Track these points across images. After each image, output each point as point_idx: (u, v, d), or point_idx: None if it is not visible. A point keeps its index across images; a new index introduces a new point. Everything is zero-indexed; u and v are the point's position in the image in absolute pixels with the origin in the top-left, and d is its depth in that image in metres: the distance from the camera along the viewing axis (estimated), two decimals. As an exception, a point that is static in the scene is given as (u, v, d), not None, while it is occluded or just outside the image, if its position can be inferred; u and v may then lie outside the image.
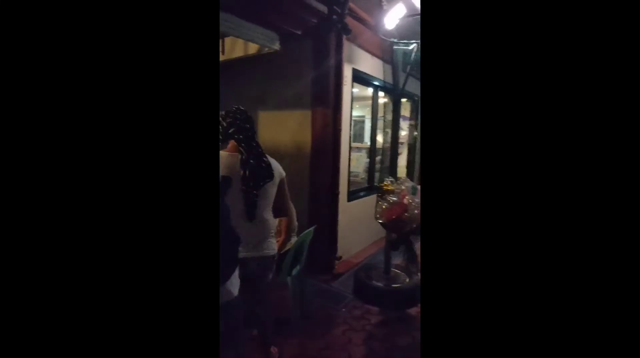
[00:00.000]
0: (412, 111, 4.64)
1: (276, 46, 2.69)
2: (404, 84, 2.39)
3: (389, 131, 4.01)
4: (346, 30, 2.61)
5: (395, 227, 2.30)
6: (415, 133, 4.69)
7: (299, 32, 2.64)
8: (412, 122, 4.66)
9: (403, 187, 2.30)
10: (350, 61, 2.92)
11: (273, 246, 1.50)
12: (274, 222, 1.53)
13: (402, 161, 4.67)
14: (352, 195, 3.33)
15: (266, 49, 2.71)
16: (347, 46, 2.77)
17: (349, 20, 2.65)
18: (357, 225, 3.36)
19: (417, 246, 3.55)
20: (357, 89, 3.55)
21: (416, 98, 4.46)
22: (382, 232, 2.63)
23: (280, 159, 1.56)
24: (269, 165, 1.40)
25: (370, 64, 3.21)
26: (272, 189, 1.44)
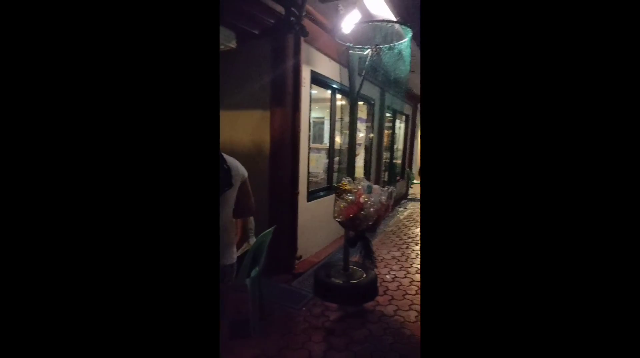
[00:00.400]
0: (368, 114, 4.82)
1: (232, 44, 2.65)
2: (360, 88, 2.49)
3: (347, 132, 4.12)
4: (304, 32, 2.64)
5: (352, 225, 2.38)
6: (371, 135, 4.88)
7: (256, 32, 2.62)
8: (369, 124, 4.84)
9: (359, 186, 2.39)
10: (308, 63, 2.96)
11: (233, 255, 1.47)
12: (234, 228, 1.51)
13: (360, 161, 4.83)
14: (312, 195, 3.37)
15: (222, 46, 2.65)
16: (305, 48, 2.81)
17: (306, 22, 2.69)
18: (317, 224, 3.41)
19: (373, 243, 3.69)
20: (316, 91, 3.61)
21: (372, 101, 4.65)
22: (341, 231, 2.71)
23: (238, 160, 1.54)
24: (228, 171, 1.37)
25: (328, 67, 3.28)
26: (232, 194, 1.42)
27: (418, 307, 2.41)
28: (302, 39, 2.70)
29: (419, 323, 2.21)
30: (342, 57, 3.16)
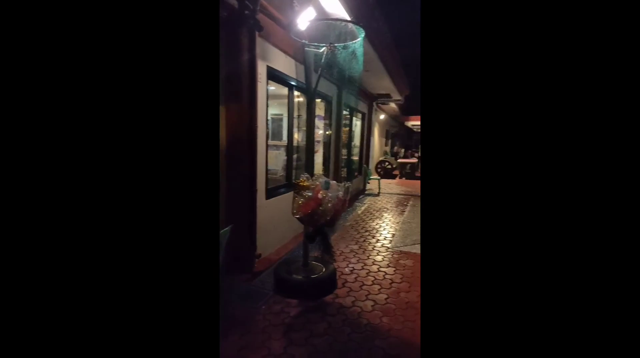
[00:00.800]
0: (326, 111, 4.88)
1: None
2: (317, 85, 2.51)
3: (305, 129, 4.14)
4: (258, 26, 2.59)
5: (311, 221, 2.40)
6: (329, 132, 4.96)
7: (209, 24, 2.52)
8: (327, 121, 4.91)
9: (317, 182, 2.42)
10: (264, 58, 2.91)
11: None
12: None
13: (319, 158, 4.89)
14: (271, 192, 3.34)
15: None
16: (260, 42, 2.76)
17: (261, 17, 2.64)
18: (277, 221, 3.39)
19: (333, 237, 3.77)
20: (274, 87, 3.57)
21: (330, 99, 4.71)
22: (301, 227, 2.72)
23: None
24: None
25: (284, 63, 3.26)
26: None
27: (374, 297, 2.52)
28: (257, 33, 2.65)
29: (375, 311, 2.31)
30: (298, 54, 3.17)
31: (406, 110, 12.13)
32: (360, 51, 2.32)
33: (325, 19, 2.49)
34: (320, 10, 2.87)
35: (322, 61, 2.39)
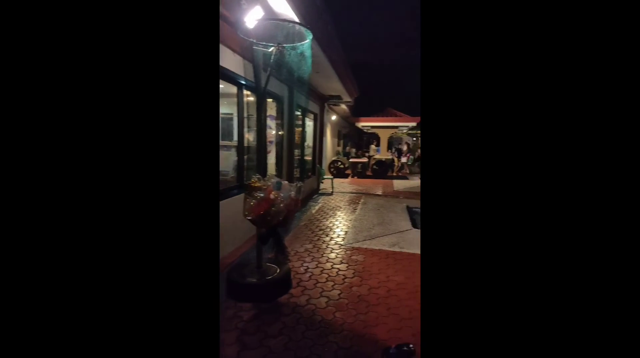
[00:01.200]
0: (277, 111, 4.85)
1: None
2: (266, 84, 2.49)
3: (257, 129, 4.07)
4: (204, 22, 2.49)
5: (263, 222, 2.38)
6: (281, 132, 4.94)
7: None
8: (278, 121, 4.88)
9: (269, 183, 2.41)
10: (210, 56, 2.81)
11: None
12: None
13: (272, 158, 4.84)
14: (222, 195, 3.23)
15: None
16: (206, 39, 2.65)
17: (206, 12, 2.54)
18: (229, 224, 3.28)
19: (287, 238, 3.77)
20: (223, 86, 3.45)
21: (281, 99, 4.69)
22: (253, 229, 2.68)
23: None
24: None
25: (232, 61, 3.17)
26: None
27: (328, 293, 2.58)
28: (202, 29, 2.54)
29: (329, 307, 2.37)
30: (247, 53, 3.10)
31: (356, 111, 12.56)
32: (308, 53, 2.36)
33: (273, 19, 2.49)
34: (268, 10, 2.85)
35: (271, 60, 2.38)
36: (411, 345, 1.88)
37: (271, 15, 2.80)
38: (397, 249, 3.59)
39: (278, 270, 2.61)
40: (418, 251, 3.48)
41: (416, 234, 4.17)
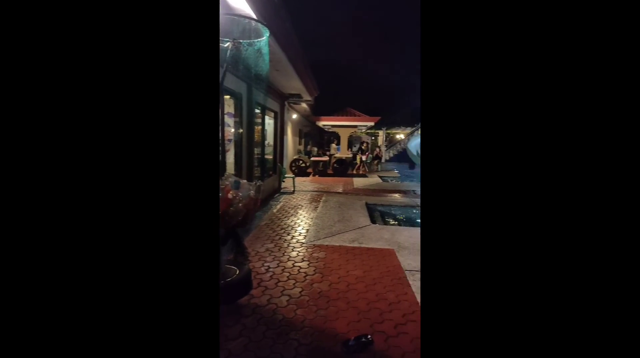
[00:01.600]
0: (236, 108, 4.72)
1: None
2: (223, 79, 2.41)
3: (214, 127, 3.92)
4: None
5: (221, 222, 2.31)
6: (241, 130, 4.82)
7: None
8: (237, 119, 4.75)
9: (227, 182, 2.34)
10: (161, 48, 2.65)
11: None
12: None
13: (231, 157, 4.70)
14: (175, 196, 3.07)
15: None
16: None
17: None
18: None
19: (248, 238, 3.70)
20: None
21: (239, 96, 4.57)
22: (210, 230, 2.59)
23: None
24: None
25: (186, 55, 3.03)
26: None
27: (289, 292, 2.58)
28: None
29: (290, 306, 2.37)
30: (202, 47, 2.98)
31: (317, 110, 12.65)
32: (266, 50, 2.33)
33: (228, 14, 2.41)
34: (224, 4, 2.76)
35: (227, 56, 2.31)
36: (369, 336, 1.96)
37: (227, 10, 2.72)
38: (356, 244, 3.70)
39: (238, 271, 2.55)
40: (376, 246, 3.62)
41: (374, 229, 4.33)
